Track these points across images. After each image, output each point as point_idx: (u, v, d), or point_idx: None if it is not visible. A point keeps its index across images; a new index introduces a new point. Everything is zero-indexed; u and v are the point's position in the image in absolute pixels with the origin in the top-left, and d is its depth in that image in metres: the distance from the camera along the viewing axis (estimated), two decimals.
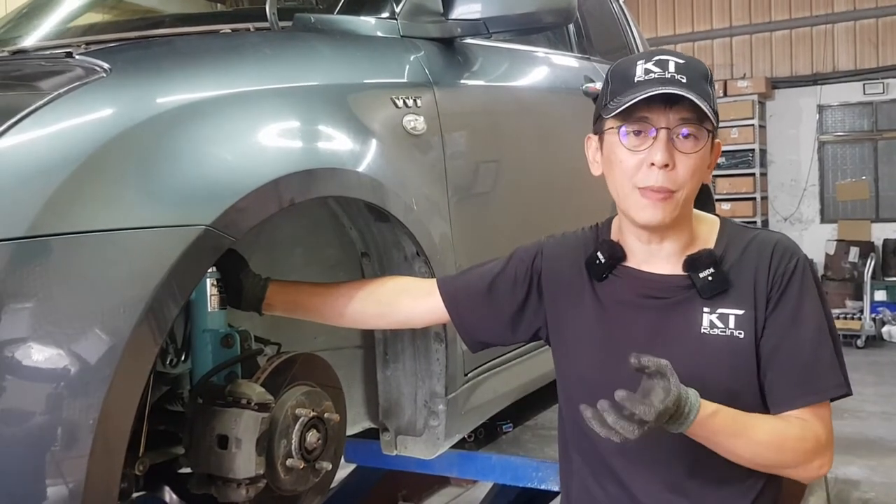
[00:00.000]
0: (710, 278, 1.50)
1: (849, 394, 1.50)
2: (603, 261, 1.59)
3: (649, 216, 1.48)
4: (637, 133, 1.47)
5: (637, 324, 1.55)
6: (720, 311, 1.50)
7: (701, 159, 1.47)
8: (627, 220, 1.55)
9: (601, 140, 1.55)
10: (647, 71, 1.45)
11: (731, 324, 1.49)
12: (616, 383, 1.51)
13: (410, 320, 1.86)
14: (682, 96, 1.41)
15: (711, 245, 1.55)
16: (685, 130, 1.45)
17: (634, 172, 1.47)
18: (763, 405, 1.52)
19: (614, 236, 1.63)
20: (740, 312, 1.49)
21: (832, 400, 1.50)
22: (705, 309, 1.51)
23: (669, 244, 1.54)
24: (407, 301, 1.81)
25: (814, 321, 1.51)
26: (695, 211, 1.59)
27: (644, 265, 1.57)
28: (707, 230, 1.58)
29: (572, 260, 1.65)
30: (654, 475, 1.54)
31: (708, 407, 1.38)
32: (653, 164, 1.44)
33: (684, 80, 1.43)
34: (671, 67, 1.45)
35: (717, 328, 1.50)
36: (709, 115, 1.43)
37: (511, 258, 1.73)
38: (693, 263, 1.51)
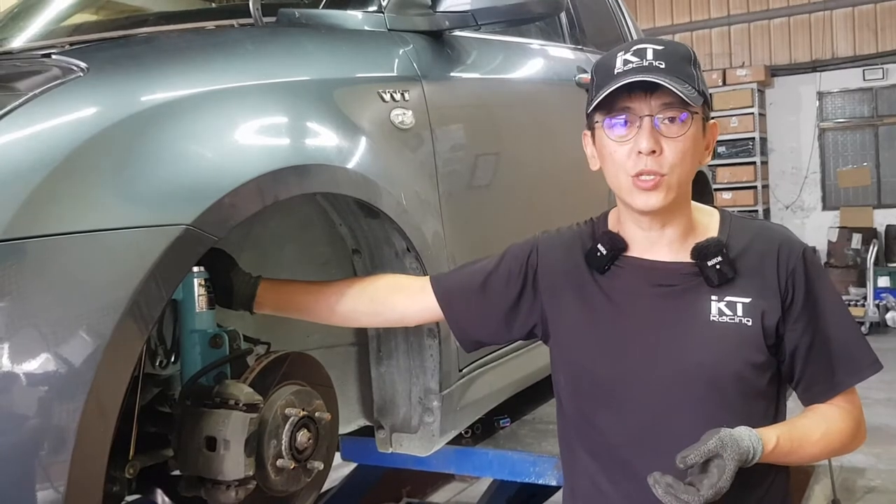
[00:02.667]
0: (717, 266, 1.51)
1: (881, 368, 1.55)
2: (604, 252, 1.59)
3: (643, 202, 1.49)
4: (623, 124, 1.48)
5: (645, 312, 1.56)
6: (728, 298, 1.52)
7: (690, 141, 1.48)
8: (627, 209, 1.56)
9: (593, 135, 1.57)
10: (626, 62, 1.47)
11: (739, 311, 1.51)
12: (628, 374, 1.55)
13: (404, 318, 1.84)
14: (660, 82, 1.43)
15: (714, 233, 1.57)
16: (668, 115, 1.46)
17: (625, 162, 1.48)
18: (770, 391, 1.55)
19: (613, 228, 1.63)
20: (747, 300, 1.51)
21: None
22: (713, 297, 1.52)
23: (670, 230, 1.55)
24: (400, 299, 1.79)
25: (834, 308, 1.56)
26: (693, 203, 1.60)
27: (647, 253, 1.58)
28: (707, 219, 1.60)
29: (570, 255, 1.65)
30: (669, 467, 1.51)
31: (768, 442, 1.44)
32: (640, 152, 1.46)
33: (663, 66, 1.45)
34: (649, 55, 1.47)
35: (726, 316, 1.51)
36: (686, 97, 1.43)
37: (504, 255, 1.72)
38: (701, 252, 1.52)
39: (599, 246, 1.60)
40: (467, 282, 1.73)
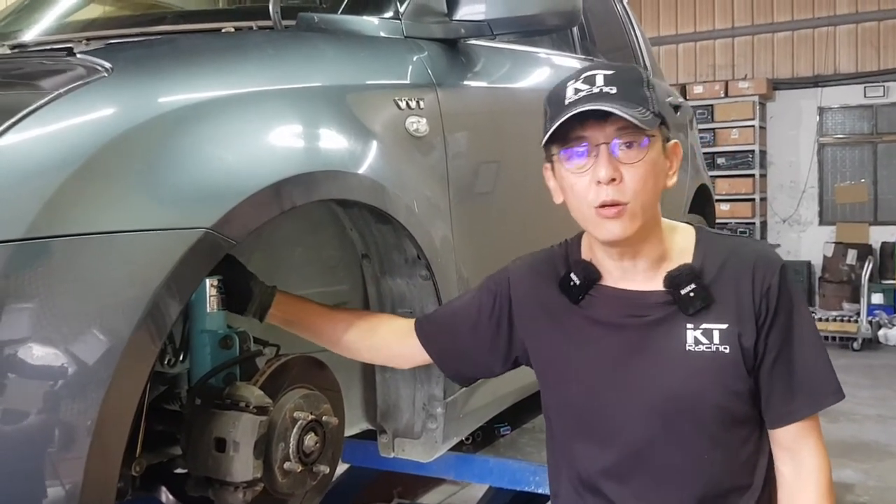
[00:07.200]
0: (692, 294, 1.48)
1: (843, 398, 1.53)
2: (578, 283, 1.57)
3: (609, 232, 1.46)
4: (579, 154, 1.45)
5: (621, 343, 1.53)
6: (704, 326, 1.49)
7: (650, 166, 1.45)
8: (595, 240, 1.54)
9: (553, 168, 1.54)
10: (577, 90, 1.44)
11: (716, 339, 1.48)
12: (605, 406, 1.54)
13: (401, 361, 1.86)
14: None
15: (688, 257, 1.53)
16: (625, 140, 1.43)
17: (586, 193, 1.45)
18: (753, 415, 1.53)
19: (585, 255, 1.61)
20: (724, 327, 1.48)
21: None
22: (688, 325, 1.49)
23: (643, 259, 1.53)
24: (395, 343, 1.80)
25: (806, 330, 1.52)
26: (666, 221, 1.58)
27: (621, 283, 1.55)
28: (682, 241, 1.56)
29: (544, 283, 1.63)
30: (649, 498, 1.53)
31: None
32: (599, 181, 1.43)
33: (614, 91, 1.42)
34: (599, 81, 1.44)
35: (703, 344, 1.48)
36: (640, 121, 1.40)
37: (480, 290, 1.73)
38: (674, 280, 1.50)
39: (573, 276, 1.57)
40: (448, 322, 1.74)
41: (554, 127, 1.43)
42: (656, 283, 1.52)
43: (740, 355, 1.48)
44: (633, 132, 1.42)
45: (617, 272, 1.55)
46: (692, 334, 1.49)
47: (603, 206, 1.43)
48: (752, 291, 1.48)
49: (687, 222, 1.67)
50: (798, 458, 1.52)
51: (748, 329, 1.48)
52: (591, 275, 1.56)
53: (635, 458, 1.52)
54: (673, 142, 1.52)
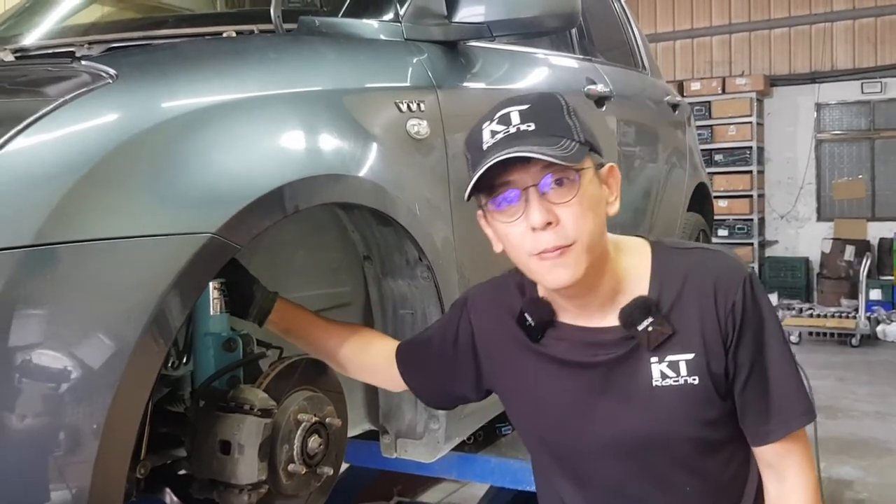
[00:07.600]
0: (650, 328, 1.39)
1: (815, 418, 1.45)
2: (533, 324, 1.50)
3: (557, 280, 1.37)
4: (509, 200, 1.36)
5: (584, 384, 1.47)
6: (669, 358, 1.41)
7: (586, 200, 1.35)
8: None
9: (486, 217, 1.45)
10: (493, 133, 1.36)
11: (683, 370, 1.40)
12: (576, 447, 1.50)
13: (389, 386, 1.86)
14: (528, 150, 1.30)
15: (645, 283, 1.44)
16: (554, 179, 1.33)
17: (523, 242, 1.36)
18: (732, 436, 1.48)
19: (541, 289, 1.52)
20: (690, 356, 1.40)
21: None
22: (653, 359, 1.41)
23: (598, 295, 1.44)
24: (380, 369, 1.79)
25: (776, 347, 1.44)
26: (616, 242, 1.48)
27: (578, 319, 1.48)
28: (636, 264, 1.47)
29: (502, 315, 1.57)
30: None
31: None
32: (535, 228, 1.34)
33: (532, 128, 1.33)
34: (515, 119, 1.35)
35: (670, 378, 1.41)
36: (563, 160, 1.31)
37: (445, 319, 1.71)
38: (628, 317, 1.41)
39: (527, 316, 1.50)
40: (421, 353, 1.72)
41: (475, 178, 1.34)
42: (614, 318, 1.44)
43: (710, 383, 1.41)
44: (558, 169, 1.33)
45: (573, 309, 1.48)
46: (657, 368, 1.41)
47: (543, 253, 1.35)
48: (715, 312, 1.40)
49: (638, 236, 1.57)
50: (782, 475, 1.46)
51: (716, 353, 1.40)
52: (546, 315, 1.49)
53: (616, 496, 1.50)
54: (608, 166, 1.43)
